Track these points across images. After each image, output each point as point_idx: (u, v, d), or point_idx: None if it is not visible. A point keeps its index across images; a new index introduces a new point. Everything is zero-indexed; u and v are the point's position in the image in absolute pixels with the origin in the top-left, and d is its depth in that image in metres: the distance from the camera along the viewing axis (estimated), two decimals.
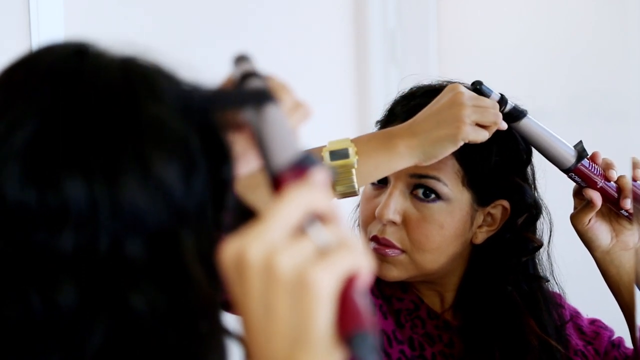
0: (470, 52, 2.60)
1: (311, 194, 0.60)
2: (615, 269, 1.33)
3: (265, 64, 0.73)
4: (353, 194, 1.17)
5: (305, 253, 0.59)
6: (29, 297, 0.57)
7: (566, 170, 1.29)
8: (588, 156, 1.29)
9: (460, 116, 1.17)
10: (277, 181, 0.62)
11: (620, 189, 1.30)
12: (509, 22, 2.57)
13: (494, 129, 1.21)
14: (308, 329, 0.58)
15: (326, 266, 0.58)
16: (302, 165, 0.62)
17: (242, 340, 0.63)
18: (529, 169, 1.31)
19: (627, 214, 1.31)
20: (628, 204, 1.29)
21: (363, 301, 0.60)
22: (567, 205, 1.35)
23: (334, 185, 1.15)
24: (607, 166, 1.31)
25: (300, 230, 0.60)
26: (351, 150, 1.16)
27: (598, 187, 1.29)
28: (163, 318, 0.60)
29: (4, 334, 0.58)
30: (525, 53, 2.52)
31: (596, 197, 1.29)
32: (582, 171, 1.29)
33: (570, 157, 1.28)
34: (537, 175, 1.33)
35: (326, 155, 1.15)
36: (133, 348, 0.59)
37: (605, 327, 1.39)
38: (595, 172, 1.29)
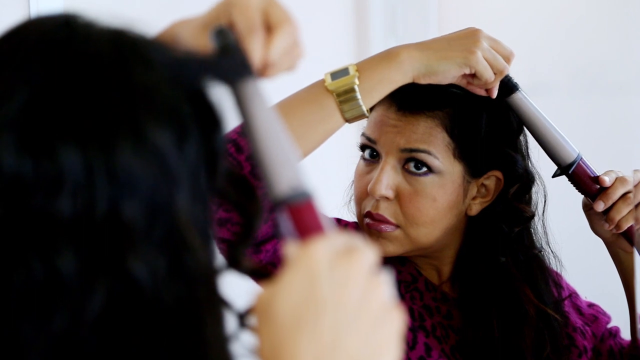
0: (471, 24, 2.58)
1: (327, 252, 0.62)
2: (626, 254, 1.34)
3: None
4: (363, 116, 1.17)
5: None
6: (30, 263, 0.58)
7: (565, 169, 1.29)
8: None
9: (475, 46, 1.18)
10: (277, 206, 0.66)
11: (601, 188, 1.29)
12: None
13: (497, 79, 1.20)
14: None
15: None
16: (298, 200, 0.65)
17: (238, 314, 0.65)
18: (521, 139, 1.30)
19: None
20: (601, 206, 1.29)
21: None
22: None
23: (342, 110, 1.16)
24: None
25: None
26: (351, 68, 1.17)
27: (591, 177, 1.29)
28: (161, 282, 0.60)
29: (7, 299, 0.58)
30: (523, 23, 2.51)
31: (601, 207, 1.29)
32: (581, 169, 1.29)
33: (571, 152, 1.28)
34: (530, 145, 1.32)
35: (327, 78, 1.16)
36: (133, 311, 0.60)
37: (604, 313, 1.39)
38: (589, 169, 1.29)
